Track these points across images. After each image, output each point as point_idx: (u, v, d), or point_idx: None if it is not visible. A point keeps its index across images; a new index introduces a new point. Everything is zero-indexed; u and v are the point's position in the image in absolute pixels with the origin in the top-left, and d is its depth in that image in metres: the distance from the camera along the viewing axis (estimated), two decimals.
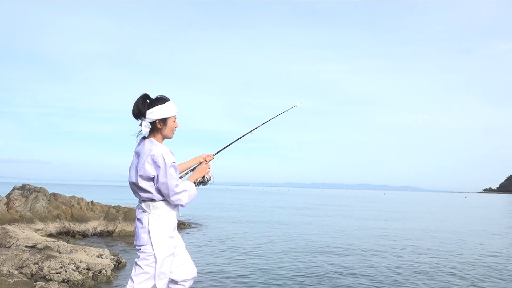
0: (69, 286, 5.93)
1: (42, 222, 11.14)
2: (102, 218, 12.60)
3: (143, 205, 2.77)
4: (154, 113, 2.70)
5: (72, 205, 12.57)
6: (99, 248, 8.11)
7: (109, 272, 6.80)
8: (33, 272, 6.21)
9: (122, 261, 7.80)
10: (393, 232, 15.31)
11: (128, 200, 34.58)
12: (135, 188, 2.76)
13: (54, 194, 12.88)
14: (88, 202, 13.48)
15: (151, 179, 2.68)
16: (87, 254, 7.36)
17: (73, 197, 13.30)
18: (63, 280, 6.13)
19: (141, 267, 2.70)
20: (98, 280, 6.49)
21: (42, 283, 5.43)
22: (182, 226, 15.21)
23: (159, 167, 2.64)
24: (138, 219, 2.77)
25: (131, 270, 2.78)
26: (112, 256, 7.77)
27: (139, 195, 2.77)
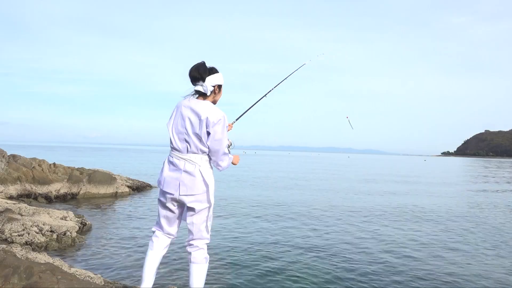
0: (32, 248, 5.83)
1: (1, 184, 10.77)
2: (66, 180, 12.31)
3: (192, 157, 2.92)
4: (215, 79, 3.00)
5: (33, 167, 12.18)
6: (63, 210, 7.97)
7: (74, 235, 6.72)
8: None
9: (87, 223, 7.71)
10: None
11: (92, 162, 33.95)
12: (194, 139, 2.90)
13: (14, 156, 12.42)
14: (50, 164, 13.10)
15: (209, 134, 2.92)
16: (51, 217, 7.23)
17: (34, 159, 12.87)
18: (26, 242, 6.02)
19: (201, 213, 2.96)
20: (62, 242, 6.41)
21: (4, 246, 5.30)
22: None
23: (221, 126, 2.93)
24: (185, 171, 2.90)
25: (193, 222, 2.96)
26: (76, 218, 7.67)
27: (193, 147, 2.91)
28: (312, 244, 7.05)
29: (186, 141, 2.93)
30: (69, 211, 7.92)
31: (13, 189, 10.89)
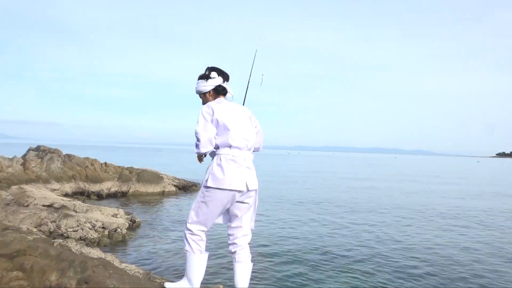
0: (86, 243, 6.11)
1: (57, 182, 11.39)
2: (116, 179, 12.83)
3: (249, 154, 3.10)
4: None
5: (86, 166, 12.79)
6: (114, 208, 8.31)
7: (124, 231, 6.99)
8: (51, 230, 6.41)
9: (136, 220, 7.98)
10: None
11: (141, 161, 35.09)
12: (253, 136, 3.12)
13: (69, 156, 13.09)
14: (101, 164, 13.70)
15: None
16: (102, 214, 7.55)
17: (87, 158, 13.51)
18: (80, 237, 6.33)
19: (253, 207, 3.11)
20: (113, 239, 6.68)
21: (60, 240, 5.59)
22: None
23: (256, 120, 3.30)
24: (248, 167, 3.03)
25: (247, 216, 3.07)
26: (126, 216, 7.96)
27: (251, 143, 3.10)
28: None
29: (246, 139, 3.06)
30: (120, 209, 8.24)
31: (68, 187, 11.49)
